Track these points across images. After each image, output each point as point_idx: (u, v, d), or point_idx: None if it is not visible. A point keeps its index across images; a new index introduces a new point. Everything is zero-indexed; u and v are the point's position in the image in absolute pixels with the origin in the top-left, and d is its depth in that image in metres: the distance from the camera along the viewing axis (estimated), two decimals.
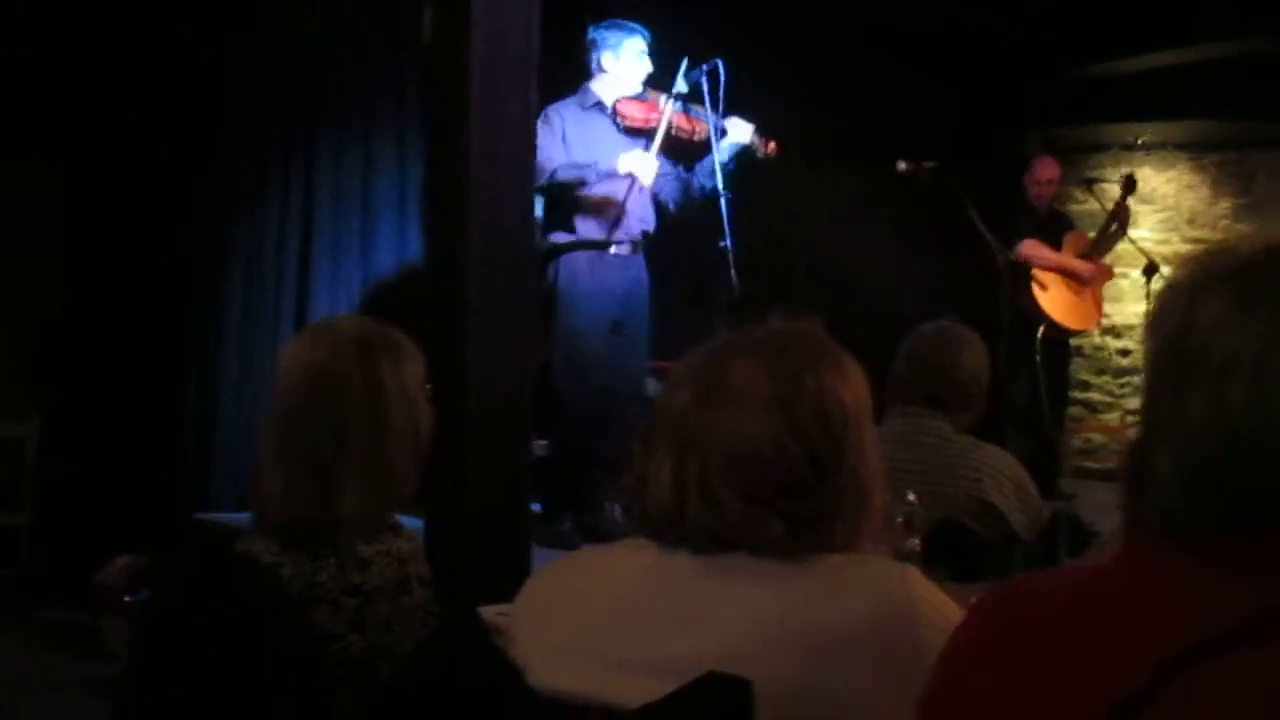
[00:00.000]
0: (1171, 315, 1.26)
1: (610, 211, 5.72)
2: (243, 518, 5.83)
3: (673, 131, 5.81)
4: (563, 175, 5.65)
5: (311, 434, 2.33)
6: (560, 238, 5.77)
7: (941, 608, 1.71)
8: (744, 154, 5.88)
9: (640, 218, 5.87)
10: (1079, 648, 1.19)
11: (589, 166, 5.69)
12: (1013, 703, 1.22)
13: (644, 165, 5.68)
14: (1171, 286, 1.29)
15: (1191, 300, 1.24)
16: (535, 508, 5.79)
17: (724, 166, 5.70)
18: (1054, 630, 1.23)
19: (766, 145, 5.95)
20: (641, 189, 5.76)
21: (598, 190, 5.73)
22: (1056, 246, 7.82)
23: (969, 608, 1.36)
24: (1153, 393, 1.26)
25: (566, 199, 5.73)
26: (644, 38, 5.92)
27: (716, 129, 5.73)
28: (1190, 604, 1.16)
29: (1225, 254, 1.27)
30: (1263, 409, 1.16)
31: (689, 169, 5.96)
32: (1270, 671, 1.09)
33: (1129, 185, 8.08)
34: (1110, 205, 8.21)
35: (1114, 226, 8.01)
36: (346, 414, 2.34)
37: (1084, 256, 7.90)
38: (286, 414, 2.38)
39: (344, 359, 2.38)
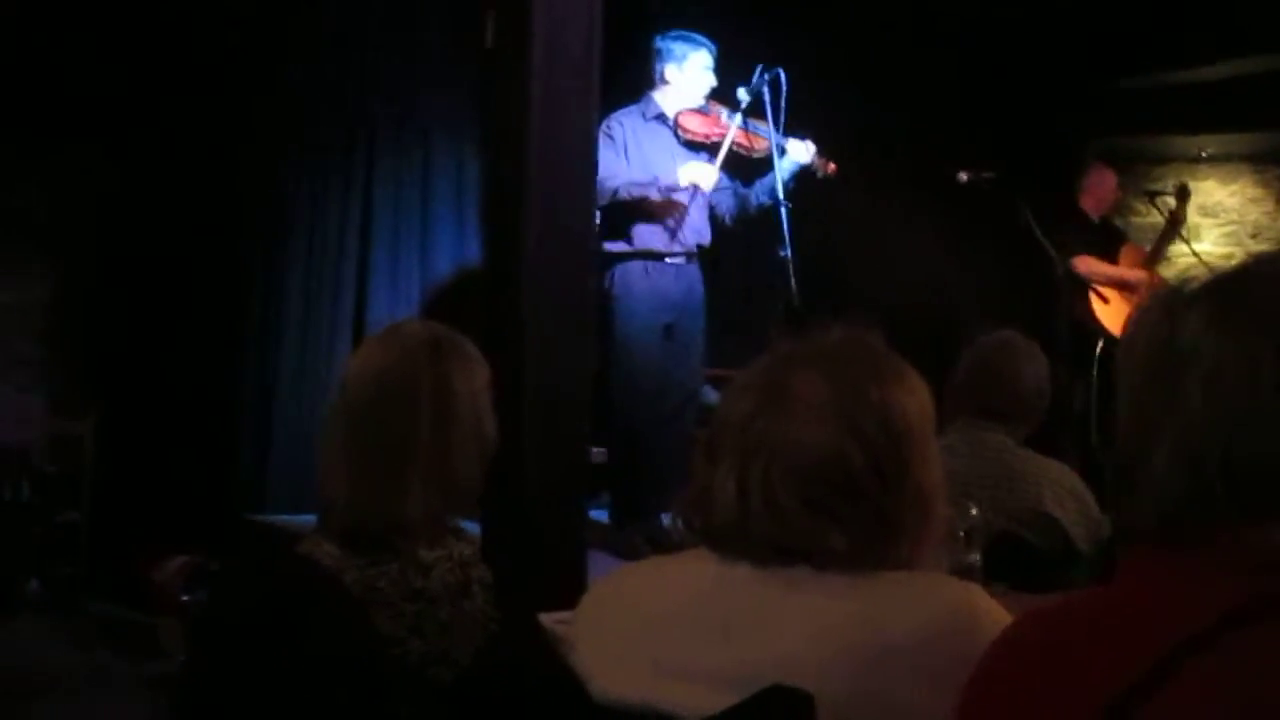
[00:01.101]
0: (1158, 325, 1.31)
1: (675, 213, 5.71)
2: (299, 519, 5.87)
3: (734, 148, 5.80)
4: (624, 194, 5.63)
5: (379, 436, 2.35)
6: (616, 246, 5.76)
7: (1003, 622, 1.70)
8: (803, 173, 5.86)
9: (696, 229, 5.85)
10: (1081, 647, 1.24)
11: (650, 184, 5.67)
12: (1023, 707, 1.26)
13: (705, 174, 5.68)
14: (1151, 303, 1.35)
15: (1176, 309, 1.30)
16: (602, 517, 5.80)
17: (783, 185, 5.68)
18: (1061, 637, 1.29)
19: (826, 166, 5.94)
20: (702, 197, 5.75)
21: (649, 231, 5.73)
22: (1110, 259, 7.75)
23: (998, 636, 1.41)
24: (1141, 399, 1.33)
25: (631, 206, 5.71)
26: (710, 52, 5.89)
27: (777, 146, 5.71)
28: (1188, 597, 1.20)
29: (1198, 277, 1.34)
30: (1259, 403, 1.21)
31: (747, 184, 5.94)
32: (1266, 653, 1.13)
33: (1182, 194, 8.02)
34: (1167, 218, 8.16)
35: (1169, 233, 7.93)
36: (415, 417, 2.36)
37: (1143, 269, 7.83)
38: (354, 415, 2.39)
39: (414, 362, 2.40)
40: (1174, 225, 7.94)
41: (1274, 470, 1.20)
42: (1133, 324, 1.36)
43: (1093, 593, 1.36)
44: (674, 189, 5.67)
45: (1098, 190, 7.87)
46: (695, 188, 5.67)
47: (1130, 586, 1.28)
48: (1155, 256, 7.93)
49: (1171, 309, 1.30)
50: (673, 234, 5.75)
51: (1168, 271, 8.11)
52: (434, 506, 2.36)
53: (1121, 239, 8.05)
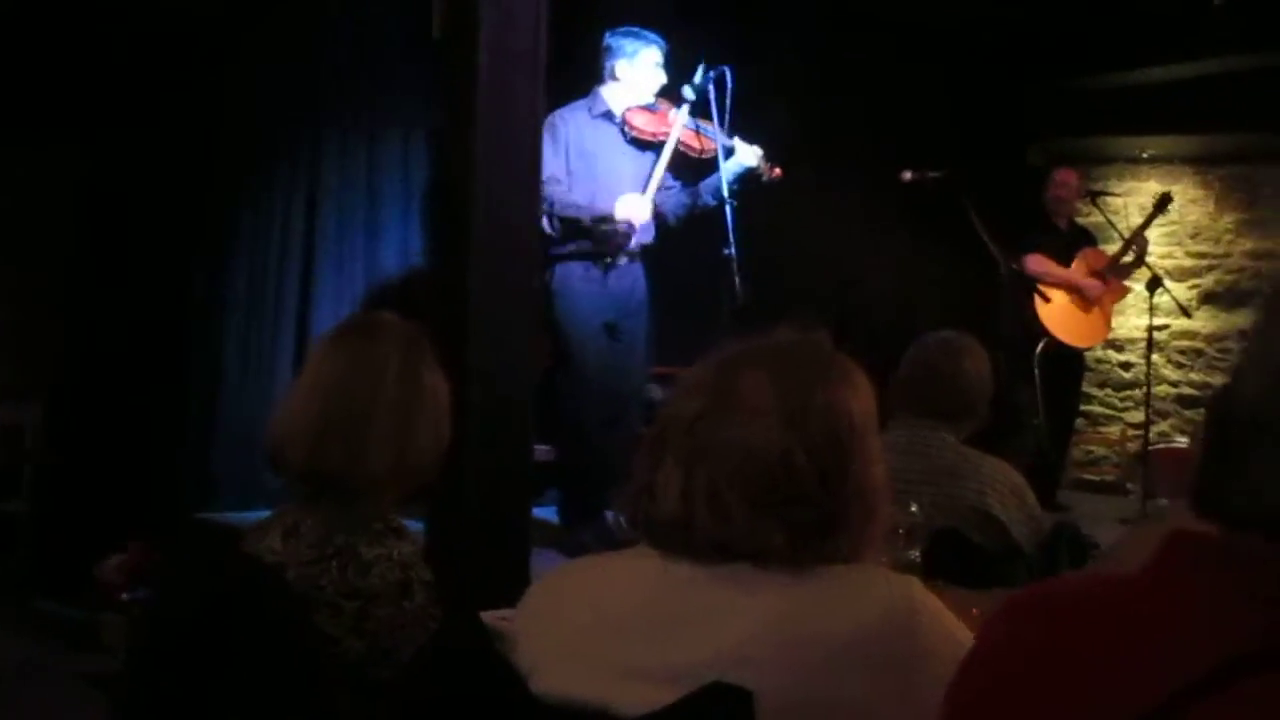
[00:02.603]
0: None
1: (610, 249, 5.72)
2: (243, 517, 5.84)
3: (680, 148, 5.80)
4: (559, 212, 5.61)
5: (346, 398, 2.42)
6: (557, 248, 5.74)
7: (942, 618, 1.72)
8: (748, 176, 5.87)
9: (639, 229, 5.85)
10: (1103, 661, 1.13)
11: (584, 208, 5.65)
12: (1037, 712, 1.17)
13: (638, 210, 5.67)
14: None
15: None
16: (550, 515, 5.80)
17: (728, 185, 5.69)
18: (1080, 641, 1.17)
19: (771, 170, 5.94)
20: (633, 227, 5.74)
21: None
22: (1066, 261, 7.79)
23: (992, 614, 1.31)
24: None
25: (572, 227, 5.70)
26: (660, 48, 5.88)
27: (723, 147, 5.72)
28: (1220, 621, 1.07)
29: None
30: None
31: (692, 184, 5.95)
32: None
33: (1164, 202, 8.07)
34: (1114, 218, 8.22)
35: (1131, 256, 7.96)
36: (381, 389, 2.44)
37: (1097, 275, 7.85)
38: (321, 379, 2.47)
39: (388, 345, 2.49)
40: (1134, 242, 7.95)
41: None
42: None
43: (1118, 589, 1.19)
44: (608, 219, 5.65)
45: (1058, 191, 7.91)
46: (628, 223, 5.67)
47: (1160, 599, 1.13)
48: (1112, 268, 7.93)
49: None
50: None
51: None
52: (394, 468, 2.43)
53: (1088, 241, 8.09)
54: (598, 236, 5.68)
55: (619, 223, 5.66)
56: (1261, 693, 1.03)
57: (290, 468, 2.44)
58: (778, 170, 5.96)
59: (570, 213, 5.62)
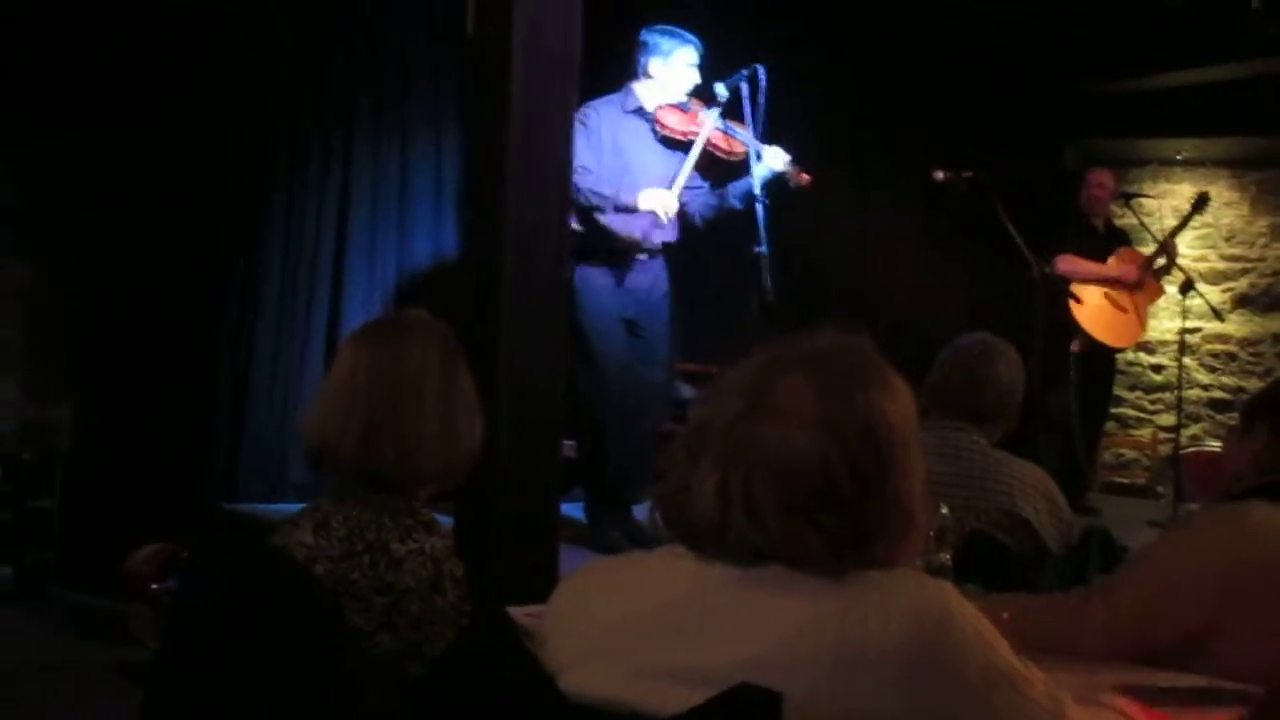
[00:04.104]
0: None
1: (632, 251, 5.72)
2: (272, 509, 5.86)
3: (708, 149, 5.79)
4: (583, 200, 5.60)
5: (394, 396, 2.47)
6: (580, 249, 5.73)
7: (975, 625, 1.71)
8: (776, 181, 5.84)
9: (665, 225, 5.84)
10: None
11: (608, 198, 5.64)
12: None
13: (664, 203, 5.65)
14: None
15: None
16: (574, 511, 5.80)
17: (759, 188, 5.67)
18: None
19: (799, 176, 5.91)
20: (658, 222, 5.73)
21: (617, 225, 5.70)
22: (1101, 260, 7.74)
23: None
24: None
25: (593, 225, 5.69)
26: (696, 49, 5.86)
27: (754, 151, 5.70)
28: None
29: None
30: None
31: (720, 185, 5.93)
32: None
33: (1201, 202, 8.02)
34: (1148, 220, 8.17)
35: (1161, 261, 7.91)
36: (427, 387, 2.49)
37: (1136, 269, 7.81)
38: (363, 378, 2.50)
39: (426, 344, 2.54)
40: (1165, 249, 7.90)
41: None
42: None
43: None
44: (631, 208, 5.64)
45: (1093, 192, 7.87)
46: (653, 215, 5.66)
47: None
48: (1154, 258, 7.87)
49: None
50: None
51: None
52: (431, 466, 2.49)
53: (1122, 241, 8.05)
54: (611, 233, 5.67)
55: (643, 214, 5.66)
56: None
57: (340, 465, 2.47)
58: (806, 176, 5.92)
59: (594, 200, 5.61)
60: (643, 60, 5.88)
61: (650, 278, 5.84)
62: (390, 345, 2.53)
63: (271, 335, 6.63)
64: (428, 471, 2.48)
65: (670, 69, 5.85)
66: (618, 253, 5.73)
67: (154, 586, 4.59)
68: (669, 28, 5.90)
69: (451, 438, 2.50)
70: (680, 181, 5.73)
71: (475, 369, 2.60)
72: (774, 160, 5.79)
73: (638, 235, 5.71)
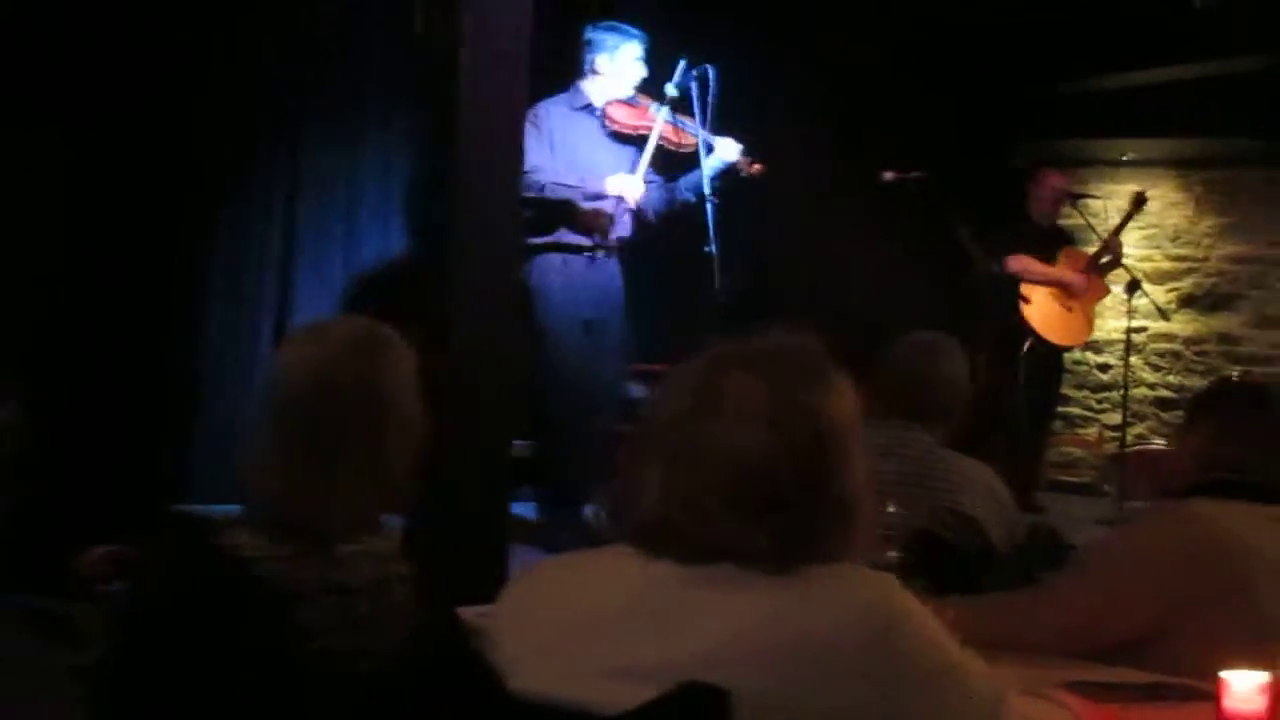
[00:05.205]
0: None
1: (600, 226, 5.72)
2: (222, 510, 5.82)
3: (660, 143, 5.81)
4: (550, 194, 5.61)
5: (311, 435, 2.32)
6: (533, 239, 5.73)
7: (920, 617, 1.73)
8: (728, 172, 5.87)
9: (617, 224, 5.86)
10: None
11: (576, 188, 5.66)
12: None
13: (631, 188, 5.68)
14: None
15: None
16: (529, 513, 5.80)
17: (709, 182, 5.70)
18: None
19: (750, 166, 5.94)
20: (626, 207, 5.75)
21: (585, 204, 5.72)
22: (1049, 260, 7.80)
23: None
24: None
25: (557, 210, 5.70)
26: (641, 43, 5.90)
27: (704, 143, 5.73)
28: None
29: None
30: None
31: (672, 179, 5.96)
32: None
33: (1139, 202, 8.09)
34: (1094, 220, 8.23)
35: (1106, 258, 7.98)
36: (345, 417, 2.33)
37: (1081, 272, 7.87)
38: (284, 414, 2.36)
39: (338, 363, 2.37)
40: (1109, 246, 7.97)
41: None
42: None
43: None
44: (600, 195, 5.66)
45: (1040, 192, 7.92)
46: (620, 199, 5.67)
47: None
48: (1091, 268, 7.95)
49: None
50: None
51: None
52: (362, 505, 2.35)
53: (1066, 241, 8.11)
54: (586, 218, 5.68)
55: (611, 199, 5.67)
56: None
57: (262, 510, 2.36)
58: (757, 165, 5.96)
59: (563, 193, 5.63)
60: (589, 57, 5.92)
61: (606, 276, 5.86)
62: (302, 360, 2.39)
63: (220, 336, 6.59)
64: (352, 512, 2.35)
65: (617, 64, 5.90)
66: (573, 251, 5.75)
67: (103, 588, 4.57)
68: (613, 24, 5.95)
69: (376, 463, 2.35)
70: (641, 168, 5.75)
71: (424, 369, 2.57)
72: (725, 151, 5.83)
73: (606, 222, 5.72)
